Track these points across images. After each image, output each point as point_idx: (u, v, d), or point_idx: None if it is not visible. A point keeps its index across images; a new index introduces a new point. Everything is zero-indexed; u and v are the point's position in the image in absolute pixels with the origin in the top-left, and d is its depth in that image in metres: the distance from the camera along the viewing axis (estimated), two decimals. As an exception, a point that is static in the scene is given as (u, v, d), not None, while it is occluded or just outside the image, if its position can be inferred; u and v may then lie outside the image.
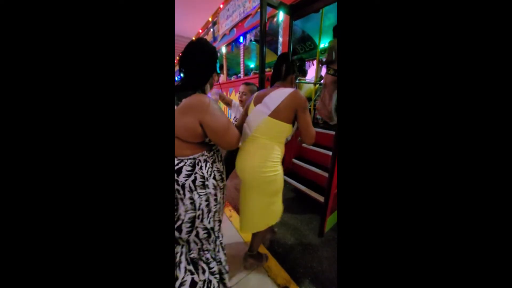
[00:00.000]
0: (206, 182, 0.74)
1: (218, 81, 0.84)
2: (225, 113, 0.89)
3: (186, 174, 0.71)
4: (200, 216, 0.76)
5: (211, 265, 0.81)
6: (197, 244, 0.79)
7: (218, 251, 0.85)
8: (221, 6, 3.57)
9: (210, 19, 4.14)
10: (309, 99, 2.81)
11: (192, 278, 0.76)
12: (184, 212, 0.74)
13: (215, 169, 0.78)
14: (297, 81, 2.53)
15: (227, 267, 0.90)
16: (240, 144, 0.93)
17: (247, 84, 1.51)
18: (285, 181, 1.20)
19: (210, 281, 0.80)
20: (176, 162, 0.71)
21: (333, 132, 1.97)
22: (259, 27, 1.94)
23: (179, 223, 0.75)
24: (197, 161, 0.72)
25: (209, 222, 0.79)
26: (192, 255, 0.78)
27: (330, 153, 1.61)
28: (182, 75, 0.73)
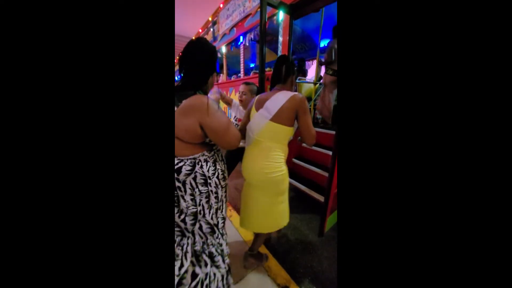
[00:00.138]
0: (209, 181, 0.75)
1: (217, 80, 0.84)
2: (225, 112, 0.90)
3: (186, 173, 0.71)
4: (202, 212, 0.77)
5: (215, 259, 0.82)
6: (201, 237, 0.80)
7: (224, 247, 0.86)
8: (221, 5, 3.57)
9: (210, 19, 4.14)
10: (309, 99, 2.81)
11: (193, 270, 0.78)
12: (186, 208, 0.75)
13: (218, 168, 0.79)
14: (297, 80, 2.54)
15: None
16: (240, 144, 0.94)
17: (247, 83, 1.51)
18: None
19: (214, 274, 0.81)
20: (176, 161, 0.71)
21: (333, 132, 1.97)
22: (259, 27, 1.94)
23: (182, 216, 0.76)
24: (197, 161, 0.73)
25: (211, 218, 0.79)
26: (196, 247, 0.79)
27: (330, 152, 1.61)
28: (182, 74, 0.73)
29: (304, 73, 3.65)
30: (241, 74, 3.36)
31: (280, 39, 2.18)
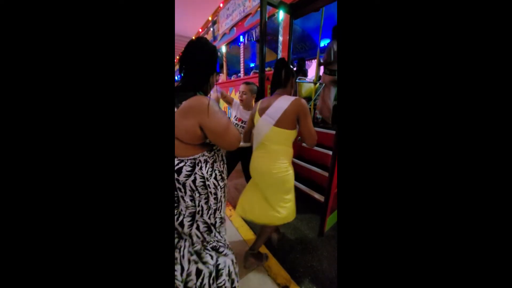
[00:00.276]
0: (207, 182, 0.75)
1: (217, 80, 0.84)
2: (225, 111, 0.90)
3: (186, 174, 0.71)
4: (200, 212, 0.77)
5: (220, 249, 0.83)
6: (199, 237, 0.80)
7: (224, 244, 0.86)
8: (221, 5, 3.56)
9: (210, 18, 4.14)
10: (309, 98, 2.81)
11: (197, 267, 0.78)
12: (185, 208, 0.75)
13: (216, 169, 0.79)
14: (297, 80, 2.53)
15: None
16: (241, 144, 0.95)
17: (247, 83, 1.51)
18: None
19: (225, 261, 0.82)
20: (176, 162, 0.71)
21: (333, 132, 1.96)
22: (259, 26, 1.93)
23: (181, 218, 0.76)
24: (197, 161, 0.73)
25: (209, 218, 0.80)
26: (196, 248, 0.80)
27: (330, 152, 1.61)
28: (182, 74, 0.72)
29: (304, 73, 3.65)
30: (241, 74, 3.36)
31: (280, 38, 2.18)
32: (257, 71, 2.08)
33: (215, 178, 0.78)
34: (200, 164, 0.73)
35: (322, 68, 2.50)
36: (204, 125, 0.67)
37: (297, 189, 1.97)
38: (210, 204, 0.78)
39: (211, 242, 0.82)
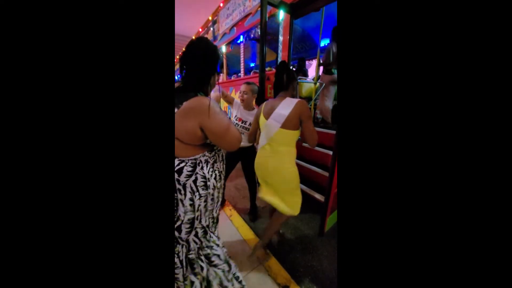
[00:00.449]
0: (208, 183, 0.75)
1: (218, 80, 0.83)
2: (225, 111, 0.90)
3: (187, 174, 0.71)
4: (199, 217, 0.77)
5: (212, 259, 0.83)
6: (196, 243, 0.80)
7: (213, 247, 0.86)
8: (221, 5, 3.56)
9: (210, 18, 4.14)
10: (309, 98, 2.80)
11: (190, 278, 0.80)
12: (183, 213, 0.75)
13: (216, 169, 0.79)
14: (298, 80, 2.53)
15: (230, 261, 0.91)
16: (241, 144, 0.95)
17: (248, 83, 1.51)
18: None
19: (215, 272, 0.82)
20: (177, 162, 0.71)
21: (333, 132, 1.96)
22: (259, 26, 1.93)
23: (178, 223, 0.76)
24: (198, 162, 0.73)
25: (205, 221, 0.80)
26: (190, 256, 0.80)
27: (331, 152, 1.61)
28: (182, 74, 0.72)
29: (304, 73, 3.64)
30: (241, 74, 3.36)
31: (281, 38, 2.18)
32: (257, 70, 2.08)
33: (215, 178, 0.78)
34: (201, 164, 0.73)
35: (321, 68, 2.50)
36: (204, 126, 0.67)
37: (297, 189, 1.98)
38: (208, 207, 0.79)
39: (205, 249, 0.82)
